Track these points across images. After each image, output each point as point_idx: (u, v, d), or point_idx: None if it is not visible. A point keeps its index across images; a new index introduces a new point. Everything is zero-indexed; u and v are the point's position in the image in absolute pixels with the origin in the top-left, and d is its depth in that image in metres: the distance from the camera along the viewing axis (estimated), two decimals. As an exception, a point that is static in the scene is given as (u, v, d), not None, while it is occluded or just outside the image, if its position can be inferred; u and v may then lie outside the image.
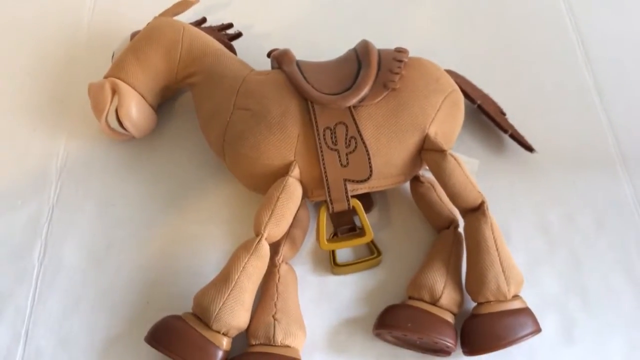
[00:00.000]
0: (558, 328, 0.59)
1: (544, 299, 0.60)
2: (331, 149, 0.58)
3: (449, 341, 0.54)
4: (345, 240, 0.60)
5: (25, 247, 0.62)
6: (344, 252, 0.62)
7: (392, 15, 0.79)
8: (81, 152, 0.68)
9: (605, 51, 0.76)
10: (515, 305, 0.55)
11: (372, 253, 0.61)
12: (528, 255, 0.62)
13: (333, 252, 0.61)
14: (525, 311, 0.55)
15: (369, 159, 0.57)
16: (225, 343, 0.53)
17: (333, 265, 0.60)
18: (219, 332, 0.53)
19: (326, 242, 0.59)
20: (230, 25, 0.73)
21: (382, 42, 0.64)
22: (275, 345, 0.54)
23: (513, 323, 0.54)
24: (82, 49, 0.75)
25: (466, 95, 0.65)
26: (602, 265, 0.62)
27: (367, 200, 0.63)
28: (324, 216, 0.59)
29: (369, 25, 0.79)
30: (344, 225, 0.61)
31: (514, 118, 0.68)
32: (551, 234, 0.64)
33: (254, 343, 0.55)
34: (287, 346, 0.54)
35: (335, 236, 0.62)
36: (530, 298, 0.57)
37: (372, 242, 0.61)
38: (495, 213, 0.57)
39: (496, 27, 0.78)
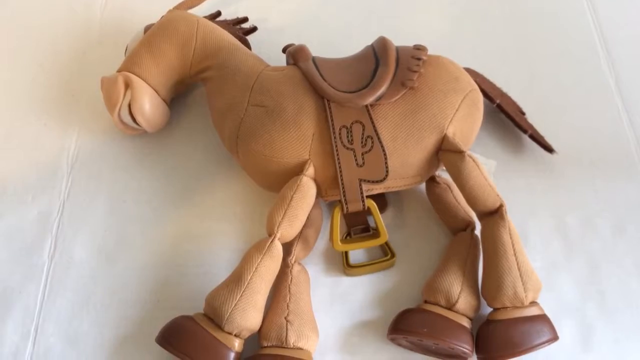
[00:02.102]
0: (575, 335, 0.58)
1: (561, 304, 0.59)
2: (347, 148, 0.56)
3: (465, 347, 0.52)
4: (360, 241, 0.59)
5: (36, 243, 0.61)
6: (356, 252, 0.61)
7: (408, 11, 0.78)
8: (93, 147, 0.67)
9: (628, 49, 0.74)
10: (532, 311, 0.54)
11: (386, 254, 0.60)
12: (545, 259, 0.61)
13: (346, 252, 0.60)
14: (543, 318, 0.54)
15: (385, 159, 0.56)
16: (237, 344, 0.52)
17: (345, 266, 0.60)
18: (230, 334, 0.52)
19: (340, 243, 0.58)
20: (245, 19, 0.72)
21: (398, 37, 0.62)
22: (287, 347, 0.53)
23: (529, 330, 0.53)
24: (95, 42, 0.75)
25: (485, 94, 0.63)
26: (620, 271, 0.61)
27: (381, 200, 0.62)
28: (337, 216, 0.58)
29: (385, 20, 0.77)
30: (358, 226, 0.60)
31: (532, 117, 0.67)
32: (569, 238, 0.62)
33: (265, 345, 0.54)
34: (300, 348, 0.54)
35: (348, 236, 0.61)
36: (546, 303, 0.56)
37: (386, 243, 0.60)
38: (513, 215, 0.56)
39: (515, 23, 0.77)
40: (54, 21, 0.76)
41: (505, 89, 0.67)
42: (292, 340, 0.53)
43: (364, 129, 0.57)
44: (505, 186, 0.60)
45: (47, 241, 0.62)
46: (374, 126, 0.57)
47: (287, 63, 0.64)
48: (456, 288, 0.55)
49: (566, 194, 0.65)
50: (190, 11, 0.68)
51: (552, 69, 0.73)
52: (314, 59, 0.61)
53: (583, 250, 0.62)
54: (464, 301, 0.54)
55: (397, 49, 0.60)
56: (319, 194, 0.58)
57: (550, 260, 0.61)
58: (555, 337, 0.54)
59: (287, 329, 0.54)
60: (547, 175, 0.66)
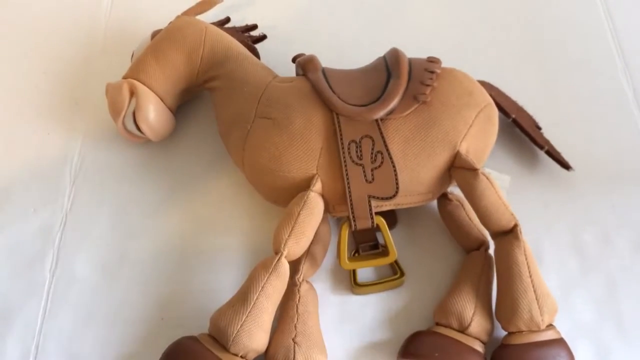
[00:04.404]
0: (592, 357, 0.56)
1: (577, 325, 0.57)
2: (356, 164, 0.55)
3: (478, 373, 0.51)
4: (368, 260, 0.58)
5: (37, 258, 0.60)
6: (365, 269, 0.60)
7: (420, 20, 0.76)
8: (96, 157, 0.66)
9: (647, 60, 0.73)
10: (549, 335, 0.52)
11: (395, 273, 0.59)
12: (561, 278, 0.59)
13: (354, 271, 0.58)
14: (559, 342, 0.52)
15: (396, 175, 0.54)
16: (242, 366, 0.51)
17: (353, 284, 0.58)
18: (236, 355, 0.51)
19: (347, 262, 0.56)
20: (254, 27, 0.70)
21: (409, 46, 0.61)
22: (295, 370, 0.52)
23: (546, 355, 0.51)
24: (99, 49, 0.73)
25: (500, 108, 0.62)
26: (639, 290, 0.59)
27: (390, 216, 0.60)
28: (345, 234, 0.56)
29: (396, 29, 0.75)
30: (366, 242, 0.59)
31: (547, 129, 0.65)
32: (586, 256, 0.61)
33: (272, 367, 0.52)
34: (308, 371, 0.52)
35: (356, 253, 0.59)
36: (562, 324, 0.54)
37: (395, 261, 0.58)
38: (528, 232, 0.54)
39: (530, 33, 0.75)
40: (59, 28, 0.74)
41: (519, 101, 0.65)
42: (299, 362, 0.52)
43: (373, 144, 0.55)
44: (520, 202, 0.58)
45: (48, 255, 0.60)
46: (384, 141, 0.55)
47: (297, 73, 0.63)
48: (469, 310, 0.53)
49: (583, 210, 0.63)
50: (199, 17, 0.66)
51: (568, 81, 0.71)
52: (323, 70, 0.60)
53: (600, 268, 0.60)
54: (477, 324, 0.53)
55: (410, 61, 0.59)
56: (326, 210, 0.57)
57: (567, 278, 0.59)
58: (572, 362, 0.52)
59: (294, 351, 0.52)
60: (563, 191, 0.64)
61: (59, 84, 0.70)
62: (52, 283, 0.59)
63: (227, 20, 0.70)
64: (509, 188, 0.62)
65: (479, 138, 0.57)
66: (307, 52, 0.63)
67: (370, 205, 0.55)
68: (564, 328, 0.54)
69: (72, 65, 0.72)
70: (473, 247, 0.58)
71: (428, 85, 0.56)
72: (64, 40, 0.73)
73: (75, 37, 0.74)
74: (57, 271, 0.59)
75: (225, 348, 0.51)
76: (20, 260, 0.60)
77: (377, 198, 0.55)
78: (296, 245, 0.53)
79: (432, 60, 0.59)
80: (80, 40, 0.73)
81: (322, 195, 0.56)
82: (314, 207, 0.54)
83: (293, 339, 0.53)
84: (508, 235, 0.54)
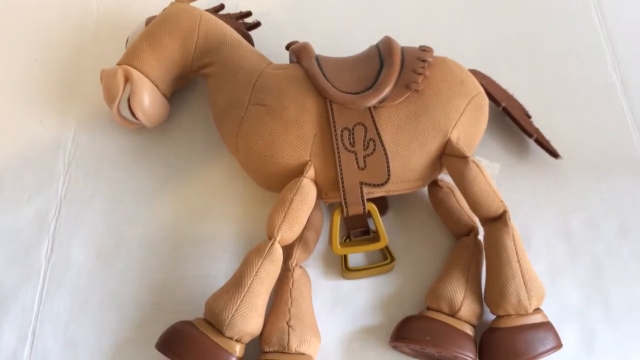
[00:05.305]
0: (578, 339, 0.57)
1: (565, 308, 0.58)
2: (348, 151, 0.56)
3: (469, 355, 0.52)
4: (359, 245, 0.59)
5: (32, 244, 0.61)
6: (356, 255, 0.61)
7: (412, 9, 0.77)
8: (90, 144, 0.66)
9: (634, 49, 0.73)
10: (536, 319, 0.53)
11: (386, 258, 0.60)
12: (549, 263, 0.60)
13: (345, 256, 0.59)
14: (546, 326, 0.53)
15: (387, 162, 0.55)
16: (238, 350, 0.52)
17: (344, 269, 0.59)
18: (231, 339, 0.52)
19: (339, 247, 0.57)
20: (248, 14, 0.70)
21: (400, 33, 0.62)
22: (289, 353, 0.53)
23: (533, 338, 0.52)
24: (91, 36, 0.73)
25: (491, 97, 0.63)
26: (625, 274, 0.60)
27: (382, 202, 0.61)
28: (337, 220, 0.57)
29: (389, 18, 0.76)
30: (358, 228, 0.60)
31: (536, 117, 0.66)
32: (573, 241, 0.62)
33: (267, 350, 0.53)
34: (302, 353, 0.53)
35: (348, 239, 0.60)
36: (550, 307, 0.55)
37: (386, 247, 0.59)
38: (516, 218, 0.55)
39: (519, 22, 0.76)
40: (50, 15, 0.74)
41: (509, 89, 0.66)
42: (294, 345, 0.53)
43: (366, 132, 0.56)
44: (509, 189, 0.59)
45: (44, 242, 0.61)
46: (376, 129, 0.56)
47: (290, 61, 0.63)
48: (459, 295, 0.54)
49: (570, 197, 0.64)
50: (193, 4, 0.66)
51: (557, 69, 0.72)
52: (317, 58, 0.60)
53: (587, 253, 0.61)
54: (467, 308, 0.54)
55: (403, 50, 0.59)
56: (319, 196, 0.58)
57: (554, 263, 0.61)
58: (559, 345, 0.53)
59: (288, 334, 0.53)
60: (551, 178, 0.65)
61: (52, 71, 0.70)
62: (48, 269, 0.60)
63: (222, 7, 0.70)
64: (498, 175, 0.62)
65: (470, 126, 0.58)
66: (301, 39, 0.63)
67: (362, 192, 0.56)
68: (552, 312, 0.55)
69: (64, 52, 0.72)
70: (463, 233, 0.59)
71: (420, 74, 0.57)
72: (56, 27, 0.73)
73: (67, 24, 0.74)
74: (52, 257, 0.60)
75: (220, 332, 0.51)
76: (15, 247, 0.60)
77: (369, 185, 0.56)
78: (289, 231, 0.54)
79: (424, 49, 0.59)
80: (72, 27, 0.73)
81: (315, 182, 0.57)
82: (307, 193, 0.55)
83: (287, 323, 0.54)
84: (497, 221, 0.55)
